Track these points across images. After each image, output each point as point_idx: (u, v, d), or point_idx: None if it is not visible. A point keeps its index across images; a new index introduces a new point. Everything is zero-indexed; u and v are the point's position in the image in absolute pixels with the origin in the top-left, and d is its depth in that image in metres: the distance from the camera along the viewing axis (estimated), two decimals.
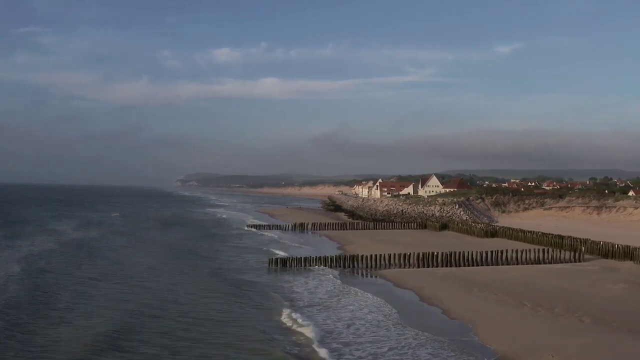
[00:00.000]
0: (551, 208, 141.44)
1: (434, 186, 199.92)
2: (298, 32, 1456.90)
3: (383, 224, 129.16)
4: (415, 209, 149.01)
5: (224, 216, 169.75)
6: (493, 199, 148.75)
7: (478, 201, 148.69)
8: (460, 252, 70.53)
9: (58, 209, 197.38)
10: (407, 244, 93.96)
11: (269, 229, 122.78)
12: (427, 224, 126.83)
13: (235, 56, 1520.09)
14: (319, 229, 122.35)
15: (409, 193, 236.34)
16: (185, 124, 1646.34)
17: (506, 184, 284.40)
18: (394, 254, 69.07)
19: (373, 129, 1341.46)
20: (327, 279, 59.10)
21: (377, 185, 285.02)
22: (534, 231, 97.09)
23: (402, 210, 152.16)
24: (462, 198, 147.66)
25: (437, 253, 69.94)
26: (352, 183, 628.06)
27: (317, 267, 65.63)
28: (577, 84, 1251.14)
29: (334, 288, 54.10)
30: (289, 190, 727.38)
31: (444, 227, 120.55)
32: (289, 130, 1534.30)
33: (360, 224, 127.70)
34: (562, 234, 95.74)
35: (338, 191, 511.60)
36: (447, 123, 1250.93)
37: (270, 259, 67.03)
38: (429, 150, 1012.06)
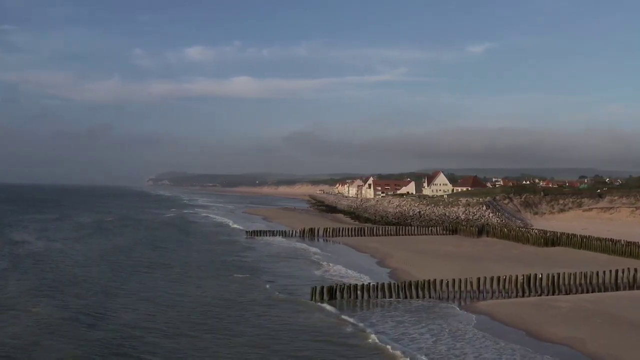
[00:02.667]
0: (591, 209, 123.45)
1: (442, 184, 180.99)
2: (271, 31, 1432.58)
3: (405, 228, 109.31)
4: (435, 211, 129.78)
5: (219, 219, 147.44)
6: (522, 199, 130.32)
7: (506, 201, 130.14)
8: (570, 274, 51.32)
9: (53, 211, 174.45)
10: (456, 255, 74.97)
11: (273, 235, 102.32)
12: (458, 228, 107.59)
13: (208, 55, 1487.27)
14: (332, 235, 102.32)
15: (407, 192, 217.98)
16: (157, 123, 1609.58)
17: (501, 183, 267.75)
18: (484, 278, 49.30)
19: (347, 128, 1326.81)
20: (414, 321, 39.61)
21: (370, 184, 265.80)
22: (613, 239, 78.44)
23: (419, 212, 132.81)
24: (487, 198, 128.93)
25: (541, 276, 50.53)
26: (330, 182, 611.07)
27: (385, 299, 45.98)
28: (550, 83, 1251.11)
29: (434, 340, 34.48)
30: (265, 190, 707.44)
31: (480, 232, 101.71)
32: (261, 129, 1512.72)
33: (379, 230, 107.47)
34: (616, 238, 78.61)
35: (319, 190, 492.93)
36: (421, 122, 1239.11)
37: (313, 289, 46.77)
38: (404, 149, 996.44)
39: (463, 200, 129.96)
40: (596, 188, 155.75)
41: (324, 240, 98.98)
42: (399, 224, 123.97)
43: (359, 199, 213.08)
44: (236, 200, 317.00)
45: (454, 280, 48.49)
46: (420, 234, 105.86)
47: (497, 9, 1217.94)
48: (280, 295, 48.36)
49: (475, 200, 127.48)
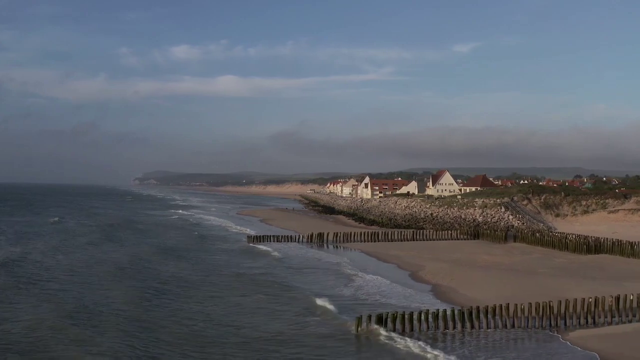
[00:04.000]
0: (617, 211, 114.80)
1: (448, 184, 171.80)
2: (257, 30, 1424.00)
3: (422, 232, 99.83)
4: (449, 213, 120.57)
5: (218, 222, 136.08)
6: (542, 200, 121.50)
7: (524, 202, 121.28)
8: None
9: (47, 213, 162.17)
10: (495, 266, 65.95)
11: (278, 240, 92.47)
12: (479, 232, 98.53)
13: (194, 53, 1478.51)
14: (343, 241, 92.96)
15: (408, 192, 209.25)
16: (142, 122, 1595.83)
17: (499, 182, 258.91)
18: (565, 302, 39.90)
19: (333, 127, 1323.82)
20: None
21: (367, 184, 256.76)
22: None
23: (431, 214, 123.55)
24: (505, 198, 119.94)
25: (632, 297, 41.38)
26: (319, 181, 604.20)
27: (448, 330, 36.60)
28: (535, 82, 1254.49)
29: None
30: (254, 189, 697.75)
31: (505, 236, 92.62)
32: (247, 129, 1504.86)
33: (393, 234, 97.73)
34: None
35: (310, 190, 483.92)
36: (406, 121, 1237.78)
37: (359, 319, 37.24)
38: (389, 148, 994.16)
39: (479, 201, 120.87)
40: (615, 188, 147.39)
41: (334, 246, 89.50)
42: (410, 227, 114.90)
43: (360, 200, 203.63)
44: (227, 201, 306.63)
45: (530, 304, 39.09)
46: (439, 239, 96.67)
47: (483, 9, 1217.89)
48: (337, 323, 38.97)
49: (492, 202, 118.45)
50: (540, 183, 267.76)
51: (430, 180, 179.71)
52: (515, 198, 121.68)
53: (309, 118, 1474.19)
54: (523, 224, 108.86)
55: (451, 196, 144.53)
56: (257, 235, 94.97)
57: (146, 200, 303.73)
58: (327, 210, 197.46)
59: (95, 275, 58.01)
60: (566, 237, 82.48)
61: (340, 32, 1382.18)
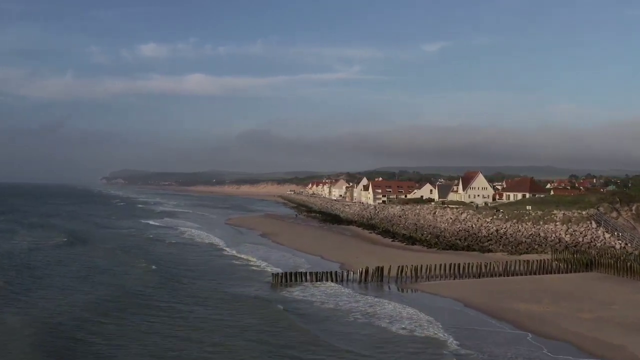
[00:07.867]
0: None
1: (482, 188, 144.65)
2: (227, 28, 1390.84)
3: (519, 263, 70.99)
4: (522, 229, 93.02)
5: (213, 240, 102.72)
6: (633, 211, 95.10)
7: (613, 214, 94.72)
8: None
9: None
10: None
11: (317, 280, 63.33)
12: (593, 260, 70.98)
13: (162, 51, 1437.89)
14: (414, 278, 64.46)
15: (422, 197, 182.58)
16: (110, 120, 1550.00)
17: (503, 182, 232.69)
18: None
19: (304, 126, 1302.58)
20: None
21: (365, 186, 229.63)
22: None
23: (496, 231, 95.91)
24: (591, 210, 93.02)
25: None
26: (294, 180, 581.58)
27: None
28: (504, 81, 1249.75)
29: None
30: (227, 189, 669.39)
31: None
32: (216, 127, 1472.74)
33: (480, 267, 68.64)
34: None
35: (290, 190, 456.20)
36: (377, 120, 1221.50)
37: None
38: (362, 146, 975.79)
39: (558, 213, 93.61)
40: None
41: (398, 287, 61.25)
42: (472, 249, 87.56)
43: (373, 207, 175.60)
44: (208, 203, 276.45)
45: None
46: (540, 272, 68.70)
47: (452, 8, 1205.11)
48: None
49: (576, 215, 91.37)
50: (549, 185, 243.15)
51: (460, 184, 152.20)
52: (601, 209, 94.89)
53: (280, 117, 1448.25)
54: (626, 244, 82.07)
55: (503, 205, 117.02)
56: (285, 273, 65.16)
57: (134, 203, 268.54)
58: (331, 218, 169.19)
59: None
60: None
61: (311, 30, 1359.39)
